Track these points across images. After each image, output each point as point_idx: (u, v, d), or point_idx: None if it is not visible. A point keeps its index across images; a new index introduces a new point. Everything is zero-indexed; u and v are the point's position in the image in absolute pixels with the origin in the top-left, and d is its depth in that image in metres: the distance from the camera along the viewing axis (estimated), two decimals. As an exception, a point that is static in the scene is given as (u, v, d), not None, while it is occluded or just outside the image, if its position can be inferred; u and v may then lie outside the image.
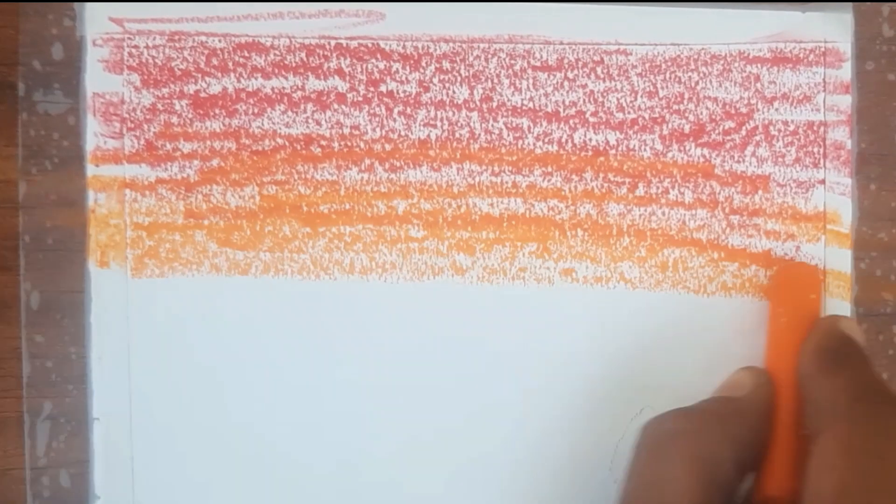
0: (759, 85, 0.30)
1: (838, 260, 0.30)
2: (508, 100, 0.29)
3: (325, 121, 0.29)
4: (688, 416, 0.25)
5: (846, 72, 0.30)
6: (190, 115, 0.29)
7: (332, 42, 0.29)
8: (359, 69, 0.29)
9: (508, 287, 0.29)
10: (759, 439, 0.26)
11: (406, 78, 0.29)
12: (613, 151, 0.30)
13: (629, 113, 0.30)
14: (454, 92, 0.29)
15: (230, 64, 0.29)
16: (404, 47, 0.29)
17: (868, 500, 0.21)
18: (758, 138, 0.30)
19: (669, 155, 0.30)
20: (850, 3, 0.30)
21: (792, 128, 0.30)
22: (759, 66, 0.30)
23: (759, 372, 0.27)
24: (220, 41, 0.29)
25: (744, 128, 0.30)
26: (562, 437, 0.29)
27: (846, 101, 0.30)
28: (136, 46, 0.29)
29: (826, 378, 0.25)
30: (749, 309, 0.30)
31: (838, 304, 0.30)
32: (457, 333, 0.29)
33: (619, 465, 0.30)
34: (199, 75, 0.29)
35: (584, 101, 0.30)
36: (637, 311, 0.30)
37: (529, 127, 0.29)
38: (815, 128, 0.30)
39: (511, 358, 0.29)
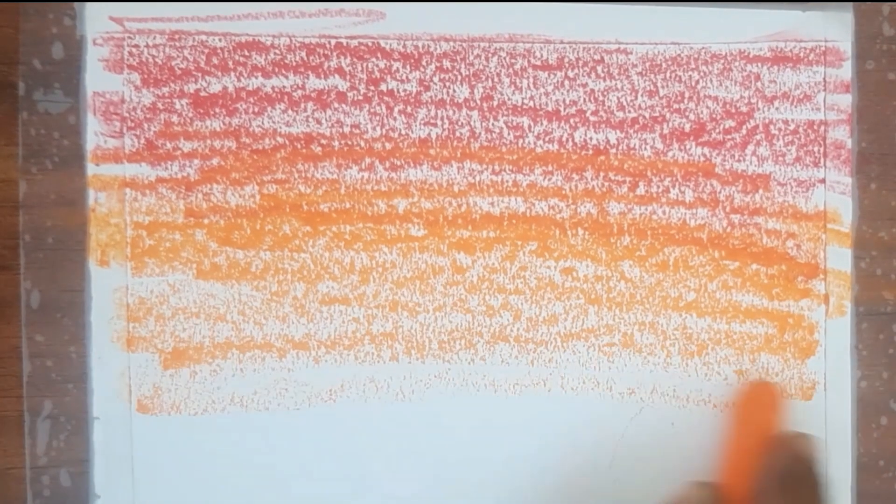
0: (759, 84, 0.30)
1: (838, 259, 0.30)
2: (509, 99, 0.29)
3: (326, 120, 0.29)
4: None
5: (846, 71, 0.30)
6: (190, 114, 0.29)
7: (333, 41, 0.29)
8: (359, 68, 0.29)
9: (510, 284, 0.29)
10: None
11: (406, 77, 0.29)
12: (614, 150, 0.30)
13: (630, 112, 0.30)
14: (454, 91, 0.29)
15: (230, 63, 0.29)
16: (405, 46, 0.29)
17: None
18: (758, 137, 0.30)
19: (670, 154, 0.30)
20: (851, 3, 0.30)
21: (792, 127, 0.30)
22: (759, 65, 0.30)
23: (708, 488, 0.26)
24: (220, 40, 0.29)
25: (744, 127, 0.30)
26: (562, 436, 0.29)
27: (846, 101, 0.30)
28: (136, 45, 0.29)
29: (775, 500, 0.25)
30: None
31: (839, 303, 0.30)
32: (459, 341, 0.29)
33: (619, 464, 0.30)
34: (200, 74, 0.29)
35: (584, 99, 0.30)
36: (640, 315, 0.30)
37: (530, 126, 0.29)
38: (815, 127, 0.30)
39: (510, 357, 0.29)
